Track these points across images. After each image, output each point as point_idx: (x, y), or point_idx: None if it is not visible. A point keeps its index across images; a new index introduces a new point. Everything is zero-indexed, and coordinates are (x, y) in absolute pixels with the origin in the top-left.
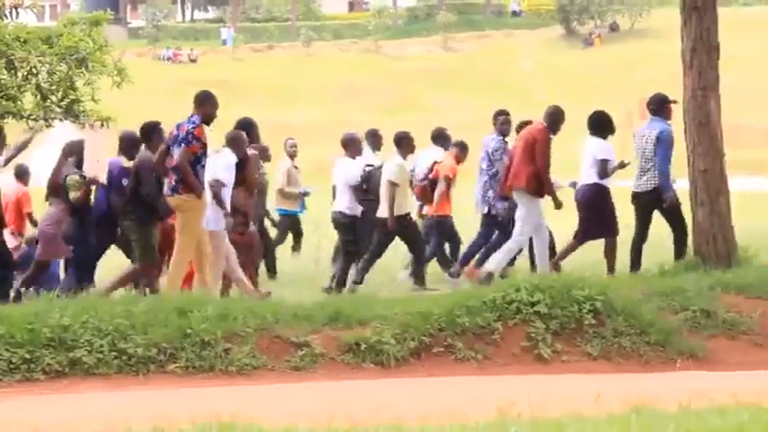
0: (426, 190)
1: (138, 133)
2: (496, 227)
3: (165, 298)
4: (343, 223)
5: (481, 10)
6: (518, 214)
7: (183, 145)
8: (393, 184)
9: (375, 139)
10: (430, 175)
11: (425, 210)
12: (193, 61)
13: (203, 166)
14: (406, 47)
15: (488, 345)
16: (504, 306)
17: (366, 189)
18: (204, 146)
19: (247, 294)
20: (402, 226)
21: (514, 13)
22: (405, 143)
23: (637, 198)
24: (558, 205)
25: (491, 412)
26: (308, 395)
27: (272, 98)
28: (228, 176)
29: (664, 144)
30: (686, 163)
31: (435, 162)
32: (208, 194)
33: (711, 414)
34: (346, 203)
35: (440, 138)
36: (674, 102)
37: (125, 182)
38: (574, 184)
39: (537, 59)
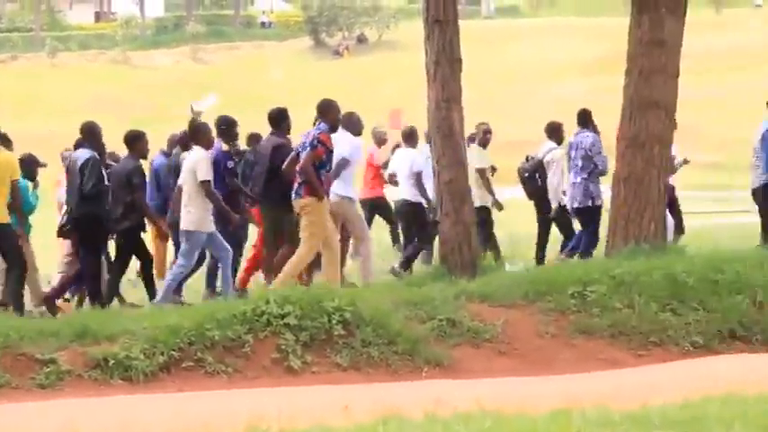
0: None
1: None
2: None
3: None
4: (407, 211)
5: (230, 21)
6: None
7: (309, 149)
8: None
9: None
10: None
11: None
12: None
13: (328, 170)
14: (155, 57)
15: (239, 358)
16: (255, 318)
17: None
18: (330, 151)
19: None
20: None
21: (263, 25)
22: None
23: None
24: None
25: (240, 426)
26: (54, 414)
27: (15, 109)
28: None
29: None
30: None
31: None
32: None
33: (456, 422)
34: (409, 191)
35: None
36: None
37: (230, 164)
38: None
39: (287, 71)
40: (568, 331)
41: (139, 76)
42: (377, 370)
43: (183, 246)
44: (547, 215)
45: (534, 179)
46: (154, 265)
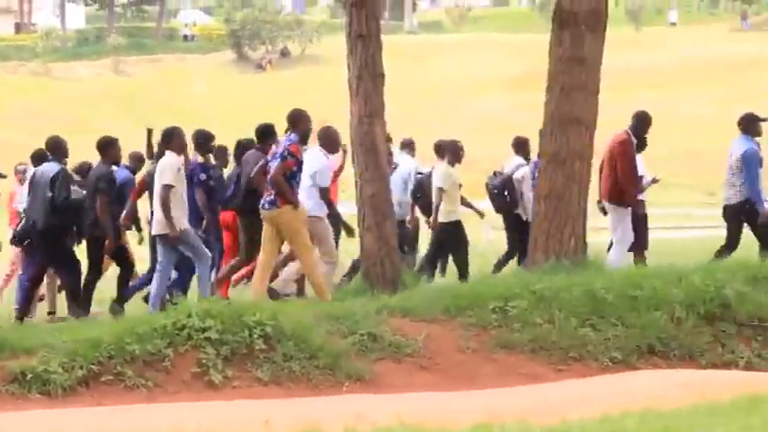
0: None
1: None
2: None
3: None
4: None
5: (152, 33)
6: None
7: (279, 160)
8: (441, 191)
9: (411, 147)
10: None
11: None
12: None
13: (298, 182)
14: (76, 69)
15: (159, 372)
16: (175, 332)
17: (420, 196)
18: (299, 162)
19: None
20: (448, 232)
21: (186, 38)
22: (453, 151)
23: (726, 210)
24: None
25: None
26: None
27: None
28: None
29: (748, 162)
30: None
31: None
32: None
33: None
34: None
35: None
36: (765, 119)
37: (202, 176)
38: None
39: (209, 84)
40: (489, 346)
41: (60, 87)
42: (298, 384)
43: (183, 250)
44: (514, 229)
45: (503, 195)
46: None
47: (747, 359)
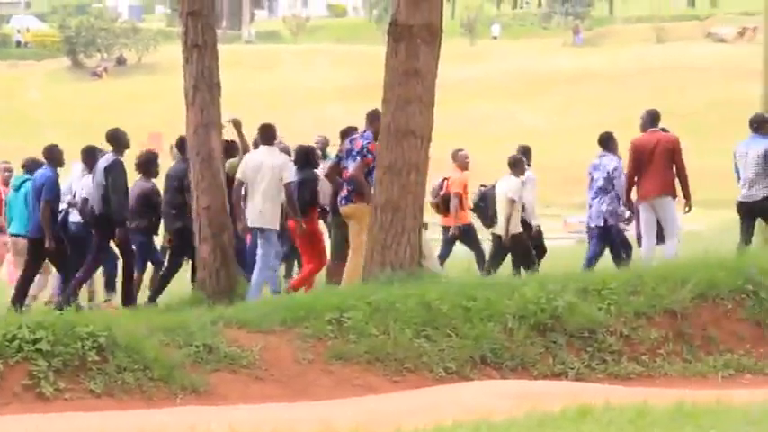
0: (439, 206)
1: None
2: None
3: None
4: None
5: None
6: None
7: (358, 158)
8: (513, 202)
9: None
10: (441, 192)
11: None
12: None
13: (373, 179)
14: None
15: None
16: (5, 344)
17: (484, 207)
18: (374, 159)
19: None
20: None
21: (19, 44)
22: (519, 165)
23: (742, 207)
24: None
25: None
26: None
27: None
28: None
29: None
30: None
31: (445, 179)
32: None
33: None
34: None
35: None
36: None
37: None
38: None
39: (44, 91)
40: (325, 357)
41: None
42: (132, 396)
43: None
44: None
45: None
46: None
47: (577, 370)
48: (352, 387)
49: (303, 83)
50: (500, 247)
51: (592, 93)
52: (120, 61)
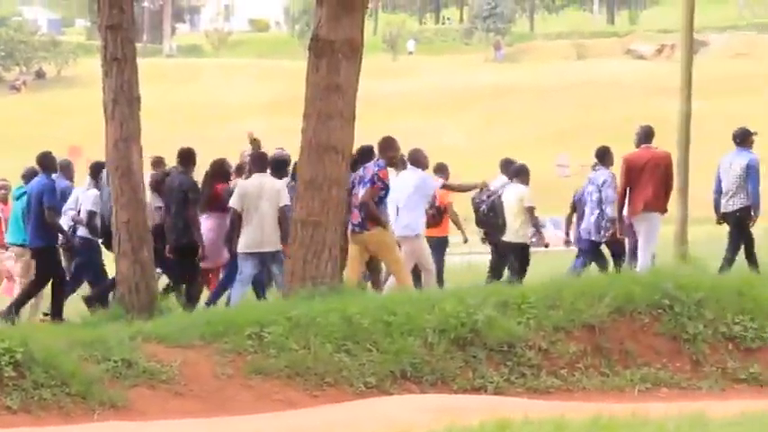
0: (435, 217)
1: None
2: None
3: None
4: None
5: None
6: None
7: (368, 185)
8: (532, 209)
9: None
10: (436, 203)
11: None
12: None
13: (385, 205)
14: None
15: None
16: None
17: (493, 216)
18: (387, 186)
19: None
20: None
21: None
22: (525, 173)
23: (726, 218)
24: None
25: None
26: None
27: None
28: None
29: (753, 171)
30: None
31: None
32: None
33: None
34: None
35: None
36: (756, 133)
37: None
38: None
39: None
40: (245, 372)
41: None
42: (49, 412)
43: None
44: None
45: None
46: None
47: (497, 384)
48: (271, 402)
49: (224, 97)
50: (502, 258)
51: (513, 108)
52: (40, 74)
